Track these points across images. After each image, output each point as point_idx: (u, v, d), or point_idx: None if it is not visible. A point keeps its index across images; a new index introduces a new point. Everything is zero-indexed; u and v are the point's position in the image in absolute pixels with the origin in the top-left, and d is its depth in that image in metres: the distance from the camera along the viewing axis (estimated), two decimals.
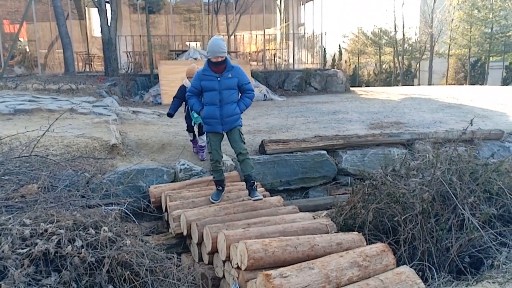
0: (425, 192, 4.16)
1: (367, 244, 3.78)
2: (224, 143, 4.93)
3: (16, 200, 4.03)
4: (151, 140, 7.10)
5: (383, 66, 37.46)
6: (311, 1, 20.28)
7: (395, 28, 34.69)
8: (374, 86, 30.84)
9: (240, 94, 4.81)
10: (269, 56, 18.87)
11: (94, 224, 3.45)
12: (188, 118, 6.40)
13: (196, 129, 6.44)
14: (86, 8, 19.53)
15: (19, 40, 17.75)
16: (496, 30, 29.95)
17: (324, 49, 20.30)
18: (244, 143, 4.84)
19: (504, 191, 4.40)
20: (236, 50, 19.35)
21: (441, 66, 34.80)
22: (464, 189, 4.27)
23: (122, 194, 5.05)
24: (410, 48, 35.66)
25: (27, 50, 18.20)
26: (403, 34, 34.62)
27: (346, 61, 36.84)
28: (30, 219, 3.33)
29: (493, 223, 4.27)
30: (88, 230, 3.32)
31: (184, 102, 6.36)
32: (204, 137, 6.36)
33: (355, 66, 37.17)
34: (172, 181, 5.82)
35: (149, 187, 5.51)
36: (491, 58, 31.09)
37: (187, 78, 6.28)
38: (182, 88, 6.32)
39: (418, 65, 36.11)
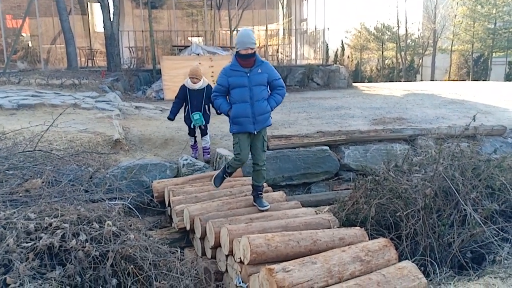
0: (427, 188, 4.16)
1: (369, 239, 3.79)
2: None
3: (21, 194, 4.06)
4: (154, 135, 7.12)
5: (386, 61, 37.36)
6: None
7: (398, 24, 34.59)
8: (377, 81, 30.79)
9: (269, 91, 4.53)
10: (271, 51, 18.85)
11: (98, 218, 3.47)
12: (188, 120, 6.24)
13: (197, 129, 6.33)
14: (88, 3, 19.50)
15: (22, 35, 17.75)
16: (499, 25, 29.82)
17: (327, 44, 20.24)
18: (265, 151, 4.60)
19: (507, 186, 4.40)
20: None
21: (444, 62, 34.69)
22: (467, 185, 4.27)
23: (126, 189, 5.08)
24: (413, 43, 35.54)
25: (30, 45, 18.22)
26: (406, 30, 34.52)
27: (348, 57, 36.78)
28: (34, 213, 3.35)
29: (495, 219, 4.27)
30: (92, 224, 3.34)
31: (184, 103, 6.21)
32: (207, 137, 6.33)
33: (358, 61, 37.10)
34: (175, 176, 5.85)
35: (152, 182, 5.54)
36: (494, 54, 30.96)
37: (190, 78, 6.09)
38: (183, 88, 6.16)
39: (420, 61, 36.01)
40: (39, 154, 5.24)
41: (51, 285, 2.89)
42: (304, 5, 21.47)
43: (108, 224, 3.32)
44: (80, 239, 3.14)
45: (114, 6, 14.54)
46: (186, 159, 5.98)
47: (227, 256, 3.77)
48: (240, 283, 3.43)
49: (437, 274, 3.76)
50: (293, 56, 19.09)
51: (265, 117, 4.41)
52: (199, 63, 13.37)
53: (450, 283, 3.44)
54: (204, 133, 6.32)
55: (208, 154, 6.36)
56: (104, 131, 6.74)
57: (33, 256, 2.96)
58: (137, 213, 4.68)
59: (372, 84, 22.64)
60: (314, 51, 20.02)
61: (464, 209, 4.12)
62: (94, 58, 17.19)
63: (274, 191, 5.24)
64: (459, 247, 3.98)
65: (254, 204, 4.60)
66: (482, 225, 4.00)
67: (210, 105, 6.10)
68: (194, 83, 6.06)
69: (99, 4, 14.41)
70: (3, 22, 16.02)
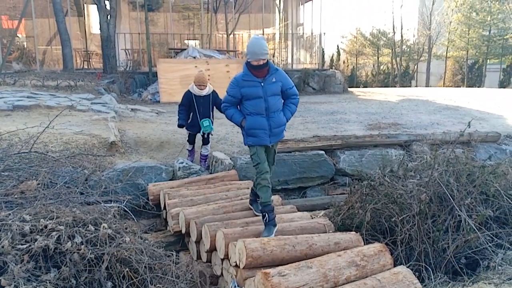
0: (422, 193, 4.19)
1: (364, 244, 3.81)
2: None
3: (16, 196, 4.05)
4: (150, 138, 7.11)
5: (381, 67, 37.52)
6: (310, 1, 20.30)
7: (393, 30, 34.75)
8: (372, 87, 30.93)
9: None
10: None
11: (94, 221, 3.47)
12: (193, 127, 6.07)
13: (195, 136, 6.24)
14: (85, 5, 19.49)
15: (18, 36, 17.71)
16: (494, 32, 30.02)
17: (323, 49, 20.34)
18: (274, 165, 4.37)
19: (501, 193, 4.43)
20: (235, 49, 19.36)
21: (439, 68, 34.89)
22: (461, 191, 4.30)
23: (121, 192, 5.07)
24: (408, 49, 35.72)
25: (25, 46, 18.17)
26: (401, 36, 34.69)
27: (344, 62, 36.92)
28: (29, 215, 3.34)
29: (489, 225, 4.30)
30: (88, 226, 3.34)
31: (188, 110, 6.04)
32: (208, 146, 6.27)
33: (353, 66, 37.25)
34: (171, 179, 5.84)
35: (147, 184, 5.53)
36: (488, 60, 31.16)
37: (196, 85, 5.96)
38: (189, 95, 6.00)
39: (415, 67, 36.19)
40: (34, 156, 5.22)
41: (46, 287, 2.88)
42: (300, 9, 21.56)
43: (103, 226, 3.32)
44: (75, 241, 3.14)
45: (111, 8, 14.53)
46: (182, 162, 5.98)
47: (222, 260, 3.77)
48: (235, 287, 3.43)
49: (431, 279, 3.77)
50: (289, 61, 19.15)
51: (281, 129, 4.16)
52: (195, 66, 13.44)
53: None
54: (206, 141, 6.21)
55: (206, 162, 6.28)
56: (99, 133, 6.72)
57: (28, 258, 2.95)
58: (133, 216, 4.67)
59: (368, 89, 22.73)
60: (310, 56, 20.09)
61: (459, 215, 4.15)
62: (90, 60, 17.15)
63: None
64: (454, 253, 4.00)
65: (250, 207, 4.51)
66: (477, 231, 4.03)
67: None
68: (201, 89, 5.97)
69: (95, 6, 14.40)
70: None
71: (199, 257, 4.26)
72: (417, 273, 3.63)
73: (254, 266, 3.36)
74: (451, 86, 29.88)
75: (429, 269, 3.90)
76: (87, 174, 5.24)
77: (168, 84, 12.96)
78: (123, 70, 15.44)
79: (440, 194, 4.33)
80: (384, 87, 30.04)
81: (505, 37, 29.22)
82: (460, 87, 28.33)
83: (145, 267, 3.24)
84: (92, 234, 3.26)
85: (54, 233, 3.15)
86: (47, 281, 2.92)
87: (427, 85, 31.73)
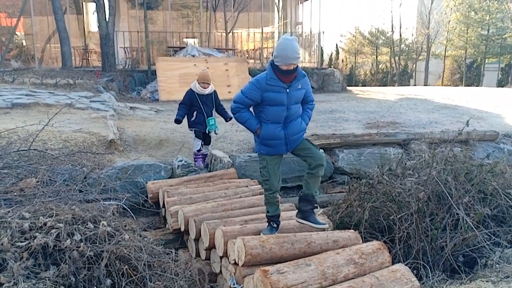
0: (420, 192, 4.20)
1: (363, 242, 3.82)
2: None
3: (15, 193, 4.05)
4: (149, 136, 7.12)
5: (380, 66, 37.52)
6: (309, 0, 20.31)
7: (392, 29, 34.76)
8: (371, 85, 30.93)
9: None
10: (266, 54, 18.88)
11: (93, 218, 3.47)
12: (200, 125, 5.97)
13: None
14: (84, 3, 19.46)
15: (16, 34, 17.67)
16: (492, 32, 30.04)
17: (322, 48, 20.33)
18: (317, 148, 3.85)
19: (499, 191, 4.45)
20: (234, 47, 19.36)
21: (437, 67, 34.91)
22: (459, 189, 4.32)
23: (120, 189, 5.07)
24: (407, 48, 35.73)
25: (24, 44, 18.14)
26: (400, 35, 34.70)
27: (343, 61, 36.88)
28: (29, 213, 3.35)
29: (487, 223, 4.32)
30: (87, 224, 3.34)
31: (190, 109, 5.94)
32: (209, 147, 6.24)
33: (352, 65, 37.23)
34: (170, 177, 5.85)
35: (146, 182, 5.53)
36: (487, 59, 31.20)
37: (200, 83, 5.87)
38: (191, 93, 5.91)
39: (414, 66, 36.20)
40: (33, 154, 5.22)
41: (45, 284, 2.88)
42: (299, 8, 21.57)
43: (102, 224, 3.32)
44: (74, 239, 3.14)
45: (109, 6, 14.53)
46: (181, 160, 5.98)
47: (221, 257, 3.78)
48: (234, 284, 3.45)
49: (429, 277, 3.79)
50: None
51: (300, 135, 3.75)
52: (195, 65, 13.45)
53: (443, 287, 3.47)
54: (209, 142, 6.17)
55: (205, 161, 6.21)
56: (98, 131, 6.73)
57: (27, 256, 2.95)
58: (132, 214, 4.67)
59: (366, 88, 22.75)
60: (309, 55, 20.10)
61: (457, 213, 4.17)
62: (89, 58, 17.14)
63: None
64: (452, 251, 4.02)
65: (303, 222, 3.81)
66: (474, 229, 4.05)
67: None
68: (205, 88, 5.90)
69: (94, 4, 14.38)
70: None
71: (198, 255, 4.27)
72: (415, 271, 3.65)
73: (253, 263, 3.37)
74: (450, 85, 29.91)
75: (427, 267, 3.92)
76: (86, 172, 5.25)
77: (167, 83, 12.96)
78: (122, 68, 15.44)
79: (438, 192, 4.35)
80: (383, 86, 30.06)
81: (503, 37, 29.24)
82: (458, 86, 28.37)
83: (144, 264, 3.25)
84: (91, 231, 3.26)
85: (53, 230, 3.16)
86: (46, 278, 2.93)
87: (425, 84, 31.74)
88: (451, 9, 31.51)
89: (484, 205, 4.37)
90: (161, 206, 5.26)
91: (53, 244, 3.06)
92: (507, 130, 8.23)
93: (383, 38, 35.91)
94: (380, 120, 9.06)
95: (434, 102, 12.55)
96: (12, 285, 2.76)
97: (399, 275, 3.21)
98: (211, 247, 3.93)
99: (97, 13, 14.28)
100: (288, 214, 4.42)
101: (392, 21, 34.70)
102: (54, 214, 3.34)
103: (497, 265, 3.75)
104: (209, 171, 5.99)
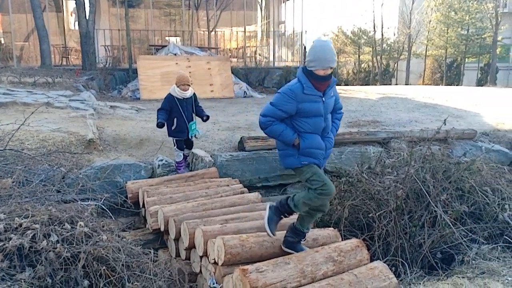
0: (399, 190, 4.26)
1: (342, 240, 3.85)
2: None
3: None
4: (129, 135, 7.05)
5: (362, 65, 37.85)
6: None
7: (374, 28, 35.05)
8: (353, 85, 31.16)
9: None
10: (249, 53, 18.88)
11: (70, 219, 3.43)
12: (182, 133, 5.74)
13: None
14: (63, 0, 19.16)
15: None
16: (472, 32, 30.53)
17: (305, 47, 20.39)
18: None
19: (476, 189, 4.54)
20: (217, 46, 19.30)
21: (418, 67, 35.35)
22: (437, 187, 4.39)
23: (99, 190, 5.01)
24: (389, 48, 36.07)
25: (2, 42, 17.79)
26: (382, 34, 35.02)
27: None
28: (4, 214, 3.29)
29: (464, 220, 4.40)
30: (64, 225, 3.30)
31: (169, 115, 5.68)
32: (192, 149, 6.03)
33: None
34: (150, 177, 5.80)
35: (126, 182, 5.47)
36: (466, 59, 31.71)
37: (180, 86, 5.63)
38: (170, 99, 5.66)
39: (396, 65, 36.60)
40: (9, 153, 5.12)
41: (21, 286, 2.84)
42: (282, 7, 21.61)
43: (80, 225, 3.29)
44: (51, 240, 3.10)
45: (90, 4, 14.34)
46: (162, 160, 5.94)
47: (201, 257, 3.76)
48: (213, 284, 3.43)
49: (407, 274, 3.84)
50: (271, 58, 19.16)
51: (330, 151, 3.47)
52: (176, 63, 13.37)
53: (420, 283, 3.52)
54: (191, 146, 5.99)
55: (186, 161, 6.06)
56: (77, 131, 6.63)
57: (2, 257, 2.91)
58: (110, 214, 4.63)
59: (349, 87, 22.91)
60: (292, 54, 20.15)
61: (435, 211, 4.23)
62: (69, 56, 16.89)
63: (250, 193, 5.25)
64: (430, 248, 4.08)
65: (290, 251, 3.48)
66: (452, 226, 4.12)
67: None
68: (185, 90, 5.64)
69: (74, 1, 14.18)
70: None
71: (178, 254, 4.25)
72: (393, 268, 3.70)
73: (232, 263, 3.36)
74: (430, 84, 30.31)
75: (405, 264, 3.97)
76: (64, 172, 5.17)
77: (148, 81, 12.86)
78: (103, 67, 15.26)
79: (416, 190, 4.41)
80: (365, 85, 30.31)
81: (482, 36, 29.78)
82: (439, 85, 28.76)
83: (122, 265, 3.22)
84: (68, 232, 3.23)
85: (29, 231, 3.11)
86: (22, 280, 2.88)
87: (407, 83, 32.11)
88: (432, 9, 31.93)
89: (462, 202, 4.45)
90: (141, 206, 5.22)
91: (29, 245, 3.02)
92: (485, 129, 8.38)
93: (365, 37, 36.20)
94: (361, 119, 9.13)
95: (414, 101, 12.70)
96: None
97: (377, 272, 3.24)
98: (191, 246, 3.91)
99: (77, 10, 14.09)
100: None
101: (374, 20, 34.98)
102: (30, 215, 3.29)
103: (473, 262, 3.82)
104: (190, 171, 5.96)
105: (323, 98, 3.22)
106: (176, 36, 20.74)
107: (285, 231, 3.59)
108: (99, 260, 3.18)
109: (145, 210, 4.96)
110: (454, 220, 4.24)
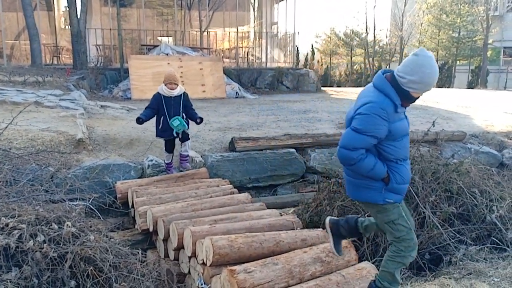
0: None
1: None
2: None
3: None
4: (119, 135, 7.01)
5: (354, 67, 37.98)
6: (284, 0, 20.39)
7: (366, 30, 35.22)
8: (345, 86, 31.26)
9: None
10: (242, 53, 18.88)
11: (57, 219, 3.41)
12: (165, 132, 5.56)
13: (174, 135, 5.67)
14: None
15: None
16: (463, 34, 30.76)
17: (297, 48, 20.47)
18: None
19: (464, 190, 4.56)
20: (209, 47, 19.27)
21: None
22: (426, 188, 4.41)
23: (88, 190, 4.97)
24: (381, 50, 36.23)
25: None
26: (374, 36, 35.15)
27: (318, 61, 37.17)
28: None
29: (452, 221, 4.42)
30: (51, 225, 3.28)
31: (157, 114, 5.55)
32: (188, 143, 5.78)
33: (327, 66, 37.56)
34: (140, 177, 5.77)
35: (115, 182, 5.44)
36: (458, 61, 31.96)
37: (167, 84, 5.49)
38: (157, 97, 5.52)
39: (388, 67, 36.78)
40: None
41: (7, 287, 2.82)
42: (275, 8, 21.63)
43: (67, 225, 3.26)
44: (38, 240, 3.08)
45: (81, 3, 14.25)
46: (151, 160, 5.92)
47: (190, 257, 3.75)
48: (202, 284, 3.43)
49: None
50: (264, 59, 19.19)
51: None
52: (168, 63, 13.33)
53: (408, 284, 3.53)
54: (185, 138, 5.69)
55: (187, 162, 5.88)
56: (67, 130, 6.59)
57: None
58: (99, 214, 4.59)
59: (341, 88, 23.01)
60: (284, 55, 20.20)
61: (423, 212, 4.25)
62: (60, 56, 16.76)
63: (240, 193, 5.24)
64: (418, 249, 4.09)
65: None
66: (440, 227, 4.13)
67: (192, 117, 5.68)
68: (172, 89, 5.49)
69: (65, 0, 14.10)
70: None
71: (166, 255, 4.23)
72: None
73: (221, 263, 3.36)
74: None
75: None
76: (52, 172, 5.13)
77: (139, 81, 12.82)
78: (94, 66, 15.19)
79: None
80: (357, 86, 30.39)
81: (473, 39, 30.01)
82: None
83: (110, 265, 3.20)
84: (55, 232, 3.20)
85: (15, 231, 3.09)
86: (8, 281, 2.86)
87: None
88: (424, 11, 32.13)
89: (450, 203, 4.47)
90: (130, 206, 5.19)
91: (15, 245, 3.00)
92: (475, 131, 8.45)
93: (358, 39, 36.32)
94: None
95: None
96: None
97: (365, 273, 3.26)
98: (180, 247, 3.90)
99: (68, 9, 13.99)
100: (258, 213, 4.42)
101: (366, 22, 35.12)
102: (17, 215, 3.26)
103: (460, 262, 3.84)
104: (180, 171, 5.94)
105: (405, 114, 2.84)
106: (168, 36, 20.68)
107: (278, 231, 3.60)
108: (86, 260, 3.16)
109: (134, 211, 4.93)
110: (442, 221, 4.26)
